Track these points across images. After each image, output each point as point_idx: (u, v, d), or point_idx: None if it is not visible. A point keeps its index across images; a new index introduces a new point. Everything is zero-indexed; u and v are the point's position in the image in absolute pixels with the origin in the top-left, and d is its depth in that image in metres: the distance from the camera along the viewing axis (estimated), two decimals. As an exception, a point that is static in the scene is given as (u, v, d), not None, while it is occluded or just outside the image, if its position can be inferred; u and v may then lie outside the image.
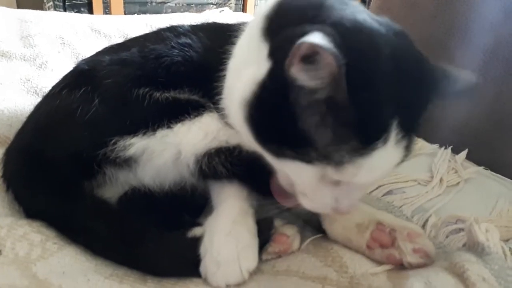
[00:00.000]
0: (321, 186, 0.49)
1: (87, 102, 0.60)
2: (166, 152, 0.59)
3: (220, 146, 0.59)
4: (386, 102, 0.43)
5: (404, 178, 0.81)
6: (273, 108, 0.46)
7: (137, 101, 0.59)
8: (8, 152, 0.65)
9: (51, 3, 2.09)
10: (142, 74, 0.62)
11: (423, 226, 0.70)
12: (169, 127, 0.59)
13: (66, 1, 2.13)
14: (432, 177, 0.83)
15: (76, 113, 0.59)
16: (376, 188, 0.78)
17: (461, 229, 0.68)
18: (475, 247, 0.55)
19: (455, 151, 0.93)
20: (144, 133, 0.59)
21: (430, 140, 0.98)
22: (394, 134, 0.44)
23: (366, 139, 0.44)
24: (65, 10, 2.14)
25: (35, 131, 0.65)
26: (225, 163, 0.59)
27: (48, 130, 0.63)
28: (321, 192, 0.50)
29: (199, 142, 0.59)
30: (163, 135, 0.59)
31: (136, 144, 0.59)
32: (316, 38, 0.38)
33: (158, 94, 0.60)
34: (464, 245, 0.63)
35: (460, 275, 0.51)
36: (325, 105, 0.42)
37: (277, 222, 0.63)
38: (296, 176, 0.50)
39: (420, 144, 0.96)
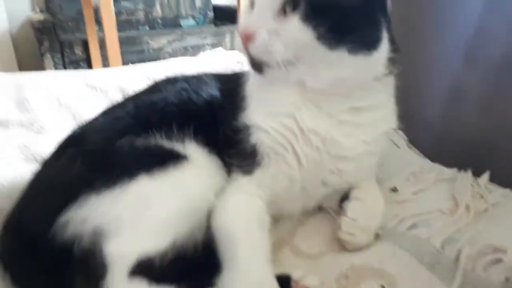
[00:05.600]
0: None
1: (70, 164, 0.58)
2: None
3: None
4: None
5: (427, 208, 0.75)
6: None
7: None
8: (4, 228, 0.60)
9: (51, 62, 2.14)
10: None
11: (457, 258, 0.64)
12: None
13: (65, 57, 2.17)
14: (456, 205, 0.76)
15: (56, 180, 0.57)
16: (399, 222, 0.73)
17: (498, 260, 0.62)
18: (521, 283, 0.50)
19: (475, 173, 0.87)
20: None
21: (446, 164, 0.92)
22: None
23: None
24: (65, 67, 2.18)
25: (24, 206, 0.60)
26: None
27: (33, 205, 0.59)
28: None
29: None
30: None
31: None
32: None
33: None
34: (507, 279, 0.58)
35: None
36: None
37: (297, 273, 0.58)
38: None
39: (437, 170, 0.90)
